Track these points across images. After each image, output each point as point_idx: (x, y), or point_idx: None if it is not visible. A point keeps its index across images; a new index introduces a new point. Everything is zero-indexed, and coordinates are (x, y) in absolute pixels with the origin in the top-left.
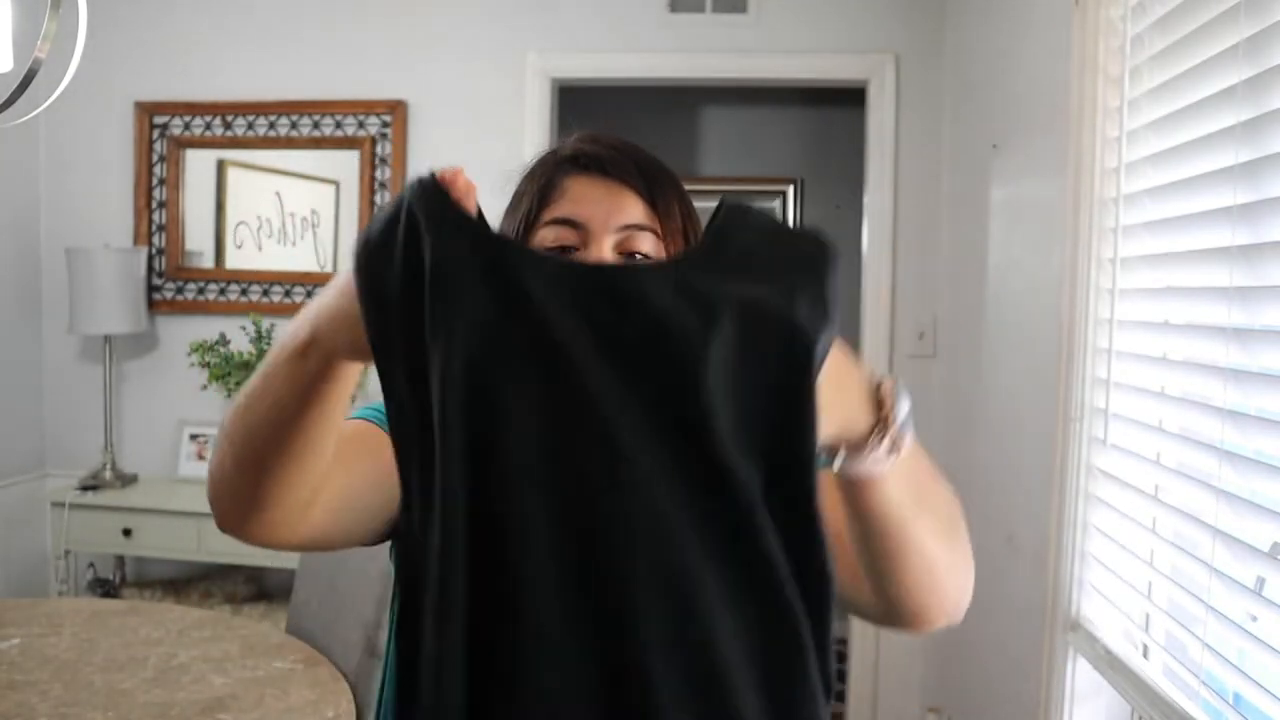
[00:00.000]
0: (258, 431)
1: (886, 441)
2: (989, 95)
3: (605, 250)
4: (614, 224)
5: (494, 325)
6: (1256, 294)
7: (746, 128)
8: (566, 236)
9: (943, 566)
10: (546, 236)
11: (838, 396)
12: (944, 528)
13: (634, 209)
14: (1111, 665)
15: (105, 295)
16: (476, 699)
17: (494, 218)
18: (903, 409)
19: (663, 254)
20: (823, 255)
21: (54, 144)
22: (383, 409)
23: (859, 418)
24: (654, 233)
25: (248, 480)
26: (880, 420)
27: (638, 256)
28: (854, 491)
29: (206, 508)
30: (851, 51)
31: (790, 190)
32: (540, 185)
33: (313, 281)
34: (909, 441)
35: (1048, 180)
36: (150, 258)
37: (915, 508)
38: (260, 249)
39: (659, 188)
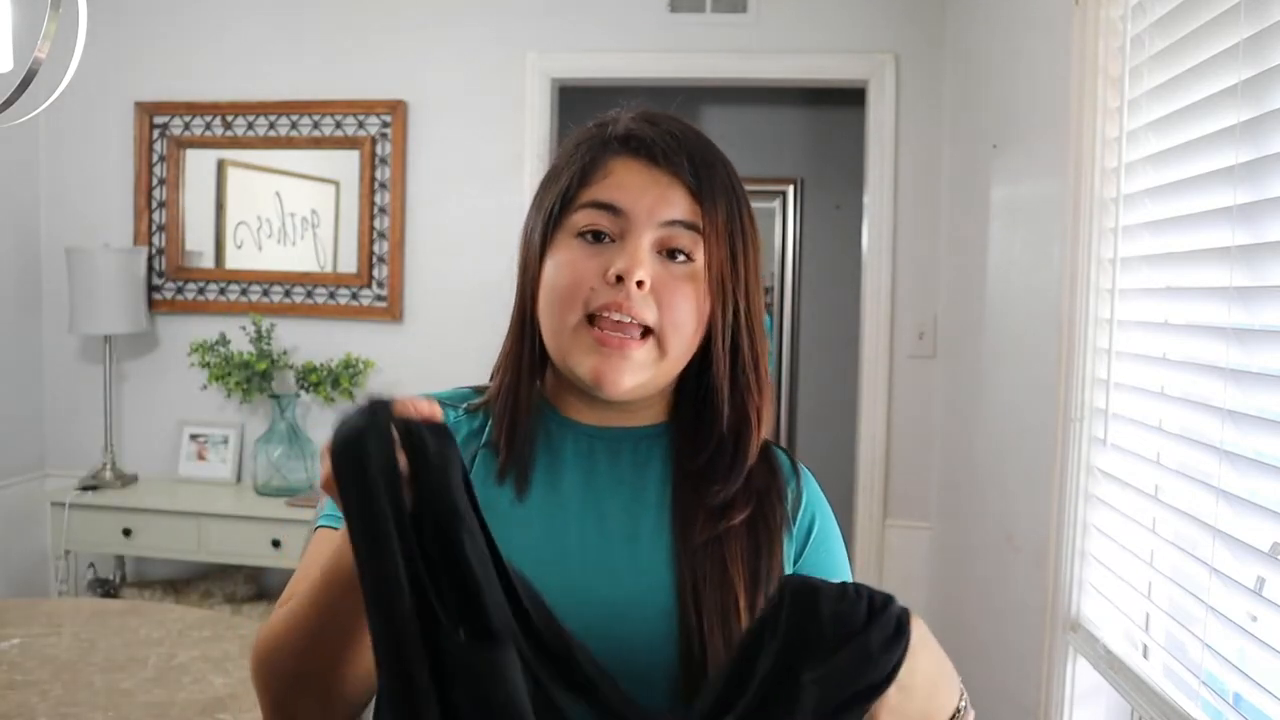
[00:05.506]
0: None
1: None
2: (989, 95)
3: (644, 244)
4: (657, 218)
5: None
6: (1256, 294)
7: (746, 128)
8: (603, 222)
9: None
10: (582, 219)
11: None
12: None
13: (680, 204)
14: (1111, 665)
15: (105, 295)
16: None
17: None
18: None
19: (701, 256)
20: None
21: (54, 144)
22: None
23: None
24: (697, 230)
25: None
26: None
27: (678, 256)
28: None
29: (206, 508)
30: (851, 51)
31: (790, 190)
32: (584, 162)
33: (312, 281)
34: None
35: (1048, 180)
36: (150, 258)
37: None
38: (260, 249)
39: (709, 184)
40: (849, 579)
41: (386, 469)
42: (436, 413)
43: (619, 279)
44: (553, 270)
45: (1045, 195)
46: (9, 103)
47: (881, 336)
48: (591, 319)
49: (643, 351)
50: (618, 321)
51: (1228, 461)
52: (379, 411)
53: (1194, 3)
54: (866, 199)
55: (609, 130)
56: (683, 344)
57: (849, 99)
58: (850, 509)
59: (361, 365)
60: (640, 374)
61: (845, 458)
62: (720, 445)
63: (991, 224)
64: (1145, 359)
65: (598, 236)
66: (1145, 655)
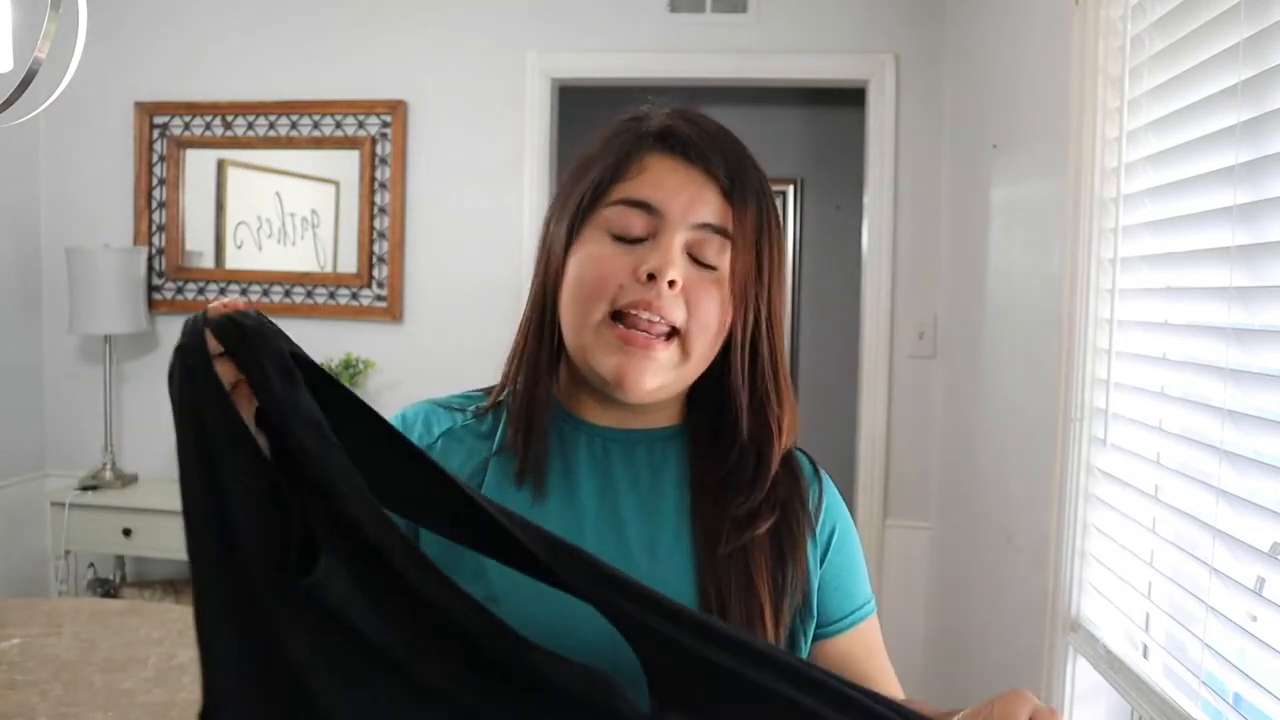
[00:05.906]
0: None
1: None
2: (989, 95)
3: (676, 244)
4: (691, 219)
5: None
6: (1256, 294)
7: (746, 128)
8: (636, 222)
9: None
10: (613, 216)
11: None
12: None
13: (713, 205)
14: (1111, 665)
15: (105, 295)
16: None
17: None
18: None
19: (728, 266)
20: None
21: (54, 144)
22: None
23: None
24: (726, 235)
25: None
26: None
27: (704, 262)
28: None
29: None
30: (851, 51)
31: (790, 190)
32: (618, 156)
33: (312, 282)
34: None
35: (1048, 180)
36: (150, 258)
37: None
38: (260, 249)
39: (742, 187)
40: (867, 584)
41: (191, 378)
42: (238, 304)
43: (650, 277)
44: (579, 264)
45: (1045, 195)
46: (9, 103)
47: (881, 336)
48: (616, 316)
49: (667, 353)
50: (646, 320)
51: (1228, 461)
52: (189, 335)
53: (1194, 3)
54: (866, 199)
55: (644, 125)
56: (706, 347)
57: (849, 99)
58: (850, 509)
59: (362, 365)
60: (662, 375)
61: (845, 458)
62: (742, 456)
63: (991, 224)
64: (1145, 359)
65: (629, 233)
66: (1145, 655)
